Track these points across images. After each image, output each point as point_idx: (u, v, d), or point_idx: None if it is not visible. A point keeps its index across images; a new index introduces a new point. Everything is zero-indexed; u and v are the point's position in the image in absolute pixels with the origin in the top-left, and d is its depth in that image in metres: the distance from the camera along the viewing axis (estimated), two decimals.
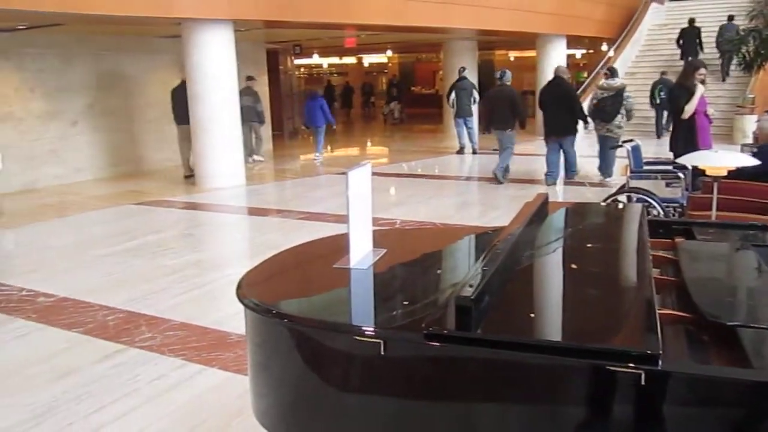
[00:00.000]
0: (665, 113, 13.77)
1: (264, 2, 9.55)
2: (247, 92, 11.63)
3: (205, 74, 9.38)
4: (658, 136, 14.15)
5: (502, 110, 9.50)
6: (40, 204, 9.03)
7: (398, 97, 22.68)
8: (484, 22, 13.52)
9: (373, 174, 2.40)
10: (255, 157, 12.21)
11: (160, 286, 5.27)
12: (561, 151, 9.27)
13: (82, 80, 10.88)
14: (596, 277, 2.19)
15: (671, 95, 7.04)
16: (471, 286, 1.72)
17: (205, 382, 3.61)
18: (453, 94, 13.10)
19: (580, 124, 9.29)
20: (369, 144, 16.65)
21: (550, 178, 9.36)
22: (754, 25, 10.30)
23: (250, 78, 12.03)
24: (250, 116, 11.48)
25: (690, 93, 6.71)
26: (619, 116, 8.87)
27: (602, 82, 9.35)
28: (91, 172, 11.06)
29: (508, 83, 9.76)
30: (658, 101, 14.21)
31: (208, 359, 3.85)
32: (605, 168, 9.20)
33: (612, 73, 9.31)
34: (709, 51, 15.33)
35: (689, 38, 15.48)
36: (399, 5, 11.42)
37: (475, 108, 13.21)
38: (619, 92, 8.84)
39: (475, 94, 13.09)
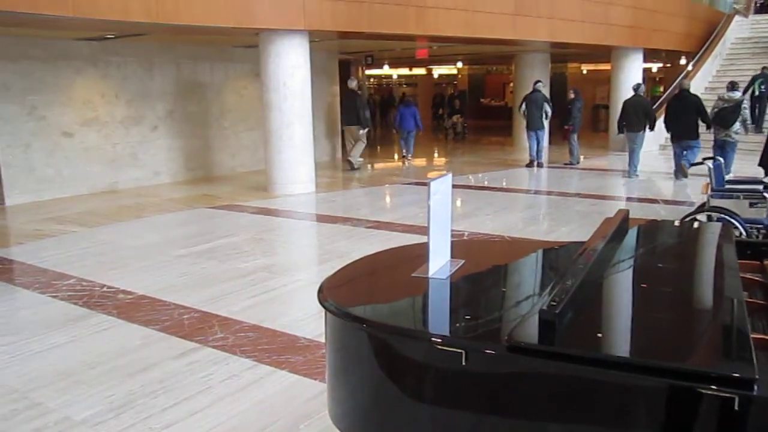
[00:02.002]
0: (766, 108, 14.16)
1: (339, 14, 9.71)
2: (350, 96, 12.56)
3: (279, 83, 9.61)
4: (759, 127, 14.05)
5: (637, 116, 11.32)
6: (120, 205, 9.42)
7: (461, 110, 20.47)
8: (557, 34, 13.34)
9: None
10: (351, 159, 12.69)
11: (233, 289, 5.40)
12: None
13: (162, 87, 11.32)
14: (686, 297, 2.13)
15: None
16: (555, 300, 1.69)
17: (275, 383, 3.67)
18: (524, 106, 12.98)
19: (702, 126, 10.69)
20: (435, 155, 16.62)
21: (680, 173, 10.85)
22: None
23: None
24: (350, 120, 12.47)
25: None
26: (737, 123, 10.17)
27: (724, 94, 10.59)
28: (168, 176, 11.47)
29: (642, 94, 11.70)
30: (757, 93, 14.53)
31: (278, 362, 3.92)
32: (727, 167, 9.74)
33: (733, 86, 10.62)
34: None
35: None
36: (471, 17, 11.40)
37: (546, 122, 13.01)
38: (738, 104, 10.21)
39: (547, 108, 12.85)
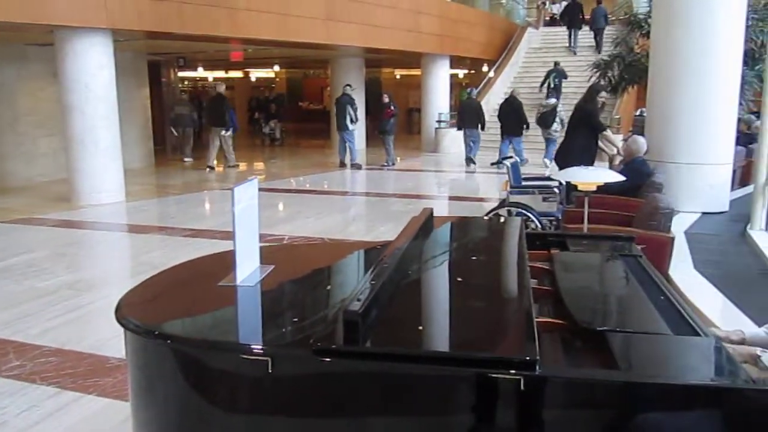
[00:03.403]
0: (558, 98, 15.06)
1: (145, 12, 9.23)
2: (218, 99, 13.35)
3: (80, 85, 8.92)
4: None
5: (471, 116, 13.46)
6: None
7: (278, 115, 19.67)
8: (369, 40, 13.75)
9: (259, 190, 2.38)
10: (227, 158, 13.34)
11: (32, 310, 4.93)
12: (510, 145, 12.89)
13: None
14: (479, 289, 2.28)
15: (582, 112, 7.11)
16: (359, 300, 1.74)
17: (81, 410, 3.40)
18: (334, 109, 13.46)
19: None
20: (254, 160, 16.39)
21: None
22: (618, 51, 11.29)
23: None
24: (216, 122, 13.14)
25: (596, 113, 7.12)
26: (555, 123, 12.48)
27: (543, 101, 13.62)
28: None
29: (475, 97, 14.21)
30: (553, 86, 15.95)
31: (84, 386, 3.64)
32: (548, 156, 12.40)
33: (549, 95, 14.36)
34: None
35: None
36: (284, 21, 11.40)
37: (351, 125, 13.27)
38: (554, 108, 12.69)
39: (351, 111, 13.20)
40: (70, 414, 3.36)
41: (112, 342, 4.21)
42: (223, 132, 13.09)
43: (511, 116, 12.87)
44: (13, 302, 5.12)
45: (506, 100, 13.54)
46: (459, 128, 13.96)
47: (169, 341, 1.83)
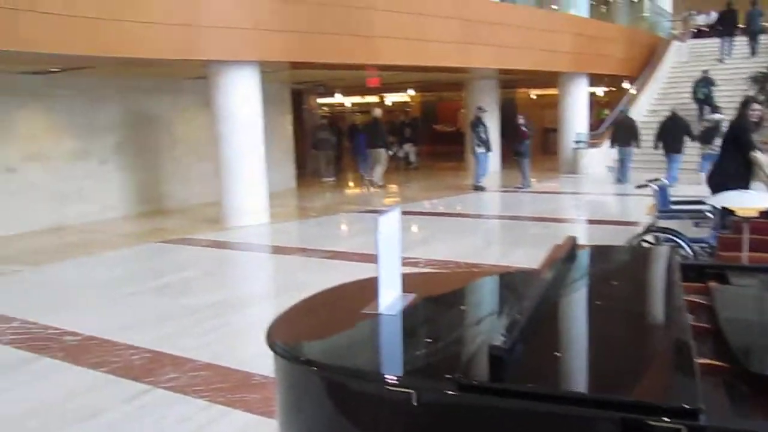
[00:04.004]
0: (707, 108, 14.83)
1: (289, 45, 9.73)
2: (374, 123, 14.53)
3: (230, 114, 9.54)
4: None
5: (626, 133, 13.65)
6: (67, 242, 9.16)
7: (412, 138, 19.67)
8: (504, 61, 13.64)
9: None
10: (373, 179, 14.13)
11: (185, 326, 5.28)
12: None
13: (110, 120, 11.12)
14: (629, 324, 2.15)
15: (734, 129, 6.48)
16: (504, 335, 1.69)
17: (230, 424, 3.58)
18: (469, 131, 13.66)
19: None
20: (390, 183, 16.70)
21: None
22: None
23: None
24: (375, 143, 14.18)
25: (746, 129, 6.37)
26: (717, 139, 11.22)
27: (707, 115, 13.75)
28: (118, 210, 11.22)
29: (629, 114, 14.69)
30: (701, 96, 15.20)
31: (232, 401, 3.83)
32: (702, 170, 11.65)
33: (703, 109, 14.41)
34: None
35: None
36: (420, 46, 11.58)
37: (479, 147, 13.40)
38: (718, 123, 12.20)
39: (480, 133, 13.29)
40: (220, 428, 3.54)
41: (257, 359, 4.40)
42: (384, 152, 14.15)
43: (675, 133, 12.77)
44: (171, 317, 5.51)
45: (669, 117, 13.28)
46: (612, 145, 14.08)
47: (314, 367, 1.88)
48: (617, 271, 2.89)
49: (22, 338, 5.08)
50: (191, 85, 12.04)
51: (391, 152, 14.46)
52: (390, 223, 2.21)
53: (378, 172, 14.21)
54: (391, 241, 2.21)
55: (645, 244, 5.93)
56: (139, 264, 7.90)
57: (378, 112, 15.13)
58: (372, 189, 13.94)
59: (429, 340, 2.14)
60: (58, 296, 6.40)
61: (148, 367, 4.41)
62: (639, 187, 8.48)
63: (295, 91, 16.03)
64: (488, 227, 10.11)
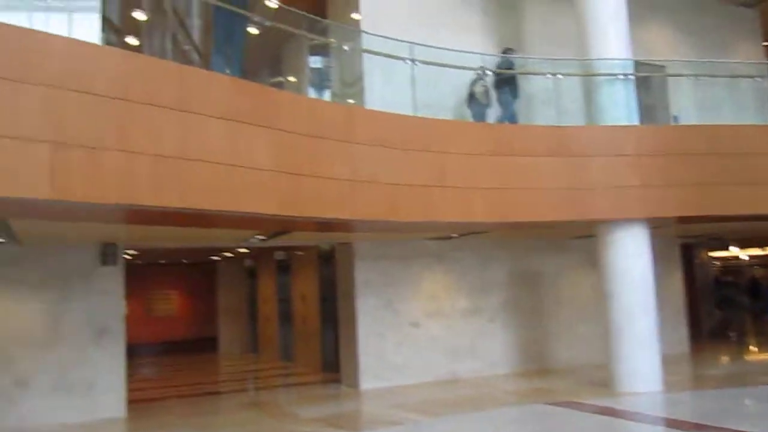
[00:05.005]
0: None
1: (681, 199, 9.24)
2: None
3: (619, 273, 9.26)
4: None
5: None
6: (459, 395, 9.63)
7: None
8: None
9: None
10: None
11: None
12: None
13: (498, 279, 11.77)
14: None
15: None
16: None
17: None
18: None
19: None
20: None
21: None
22: None
23: None
24: None
25: None
26: None
27: None
28: (503, 367, 11.52)
29: None
30: None
31: None
32: None
33: None
34: None
35: None
36: None
37: None
38: None
39: None
40: None
41: None
42: None
43: None
44: None
45: None
46: None
47: None
48: None
49: None
50: (576, 244, 12.18)
51: None
52: None
53: None
54: None
55: None
56: (528, 426, 7.81)
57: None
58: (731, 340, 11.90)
59: None
60: None
61: None
62: None
63: (684, 245, 15.00)
64: None
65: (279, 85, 11.85)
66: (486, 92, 10.24)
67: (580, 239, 11.78)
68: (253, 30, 8.08)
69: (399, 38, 8.56)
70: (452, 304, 11.37)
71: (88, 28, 6.98)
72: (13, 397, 8.58)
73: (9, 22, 4.99)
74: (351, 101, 10.22)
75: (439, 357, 11.05)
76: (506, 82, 10.40)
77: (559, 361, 11.93)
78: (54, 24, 6.88)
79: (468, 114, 10.36)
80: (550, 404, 8.64)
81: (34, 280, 8.92)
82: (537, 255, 12.20)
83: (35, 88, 4.91)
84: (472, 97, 10.29)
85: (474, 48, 10.46)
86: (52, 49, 5.11)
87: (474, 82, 10.21)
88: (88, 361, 9.01)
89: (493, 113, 10.48)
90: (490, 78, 10.27)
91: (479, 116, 10.20)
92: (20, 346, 8.71)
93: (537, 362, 11.80)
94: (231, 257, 16.97)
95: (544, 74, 9.89)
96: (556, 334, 12.10)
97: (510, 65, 10.59)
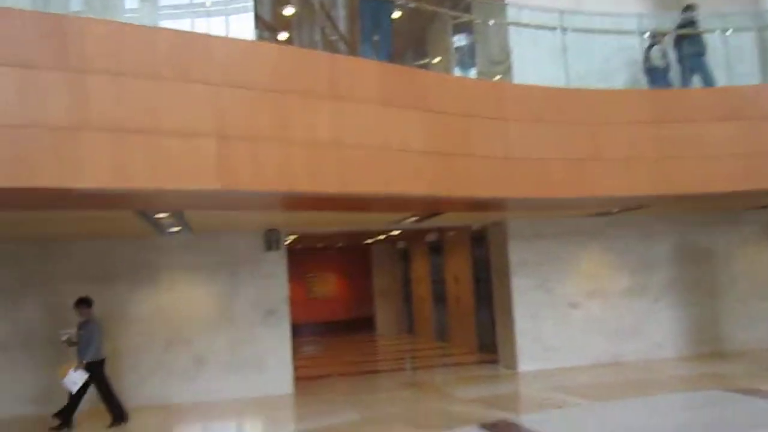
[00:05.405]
0: None
1: None
2: None
3: None
4: None
5: None
6: (623, 379, 9.20)
7: None
8: None
9: None
10: None
11: None
12: None
13: (662, 257, 11.03)
14: None
15: None
16: None
17: None
18: None
19: None
20: None
21: None
22: None
23: None
24: None
25: None
26: None
27: None
28: (670, 349, 10.82)
29: None
30: None
31: None
32: None
33: None
34: None
35: None
36: None
37: None
38: None
39: None
40: None
41: None
42: None
43: None
44: None
45: None
46: None
47: None
48: None
49: None
50: (751, 216, 11.12)
51: None
52: None
53: None
54: None
55: None
56: (706, 413, 7.26)
57: None
58: None
59: None
60: None
61: None
62: None
63: None
64: None
65: (425, 67, 11.84)
66: (664, 55, 9.43)
67: (757, 210, 10.75)
68: (396, 13, 8.12)
69: (547, 8, 8.22)
70: (613, 284, 10.82)
71: (244, 27, 7.41)
72: (192, 375, 9.38)
73: (175, 28, 5.38)
74: (499, 77, 9.98)
75: (599, 339, 10.59)
76: (691, 42, 9.44)
77: (733, 344, 10.99)
78: (213, 25, 7.35)
79: (643, 82, 9.61)
80: (726, 390, 7.99)
81: (207, 265, 9.65)
82: (705, 229, 11.28)
83: (200, 86, 5.27)
84: (648, 63, 9.51)
85: (629, 10, 9.80)
86: (213, 50, 5.46)
87: (649, 47, 9.46)
88: (258, 340, 9.62)
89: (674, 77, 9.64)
90: (668, 39, 9.44)
91: (659, 81, 9.41)
92: (197, 327, 9.48)
93: (708, 345, 10.95)
94: (384, 240, 17.33)
95: (722, 30, 8.96)
96: (729, 314, 11.15)
97: (692, 23, 9.59)
